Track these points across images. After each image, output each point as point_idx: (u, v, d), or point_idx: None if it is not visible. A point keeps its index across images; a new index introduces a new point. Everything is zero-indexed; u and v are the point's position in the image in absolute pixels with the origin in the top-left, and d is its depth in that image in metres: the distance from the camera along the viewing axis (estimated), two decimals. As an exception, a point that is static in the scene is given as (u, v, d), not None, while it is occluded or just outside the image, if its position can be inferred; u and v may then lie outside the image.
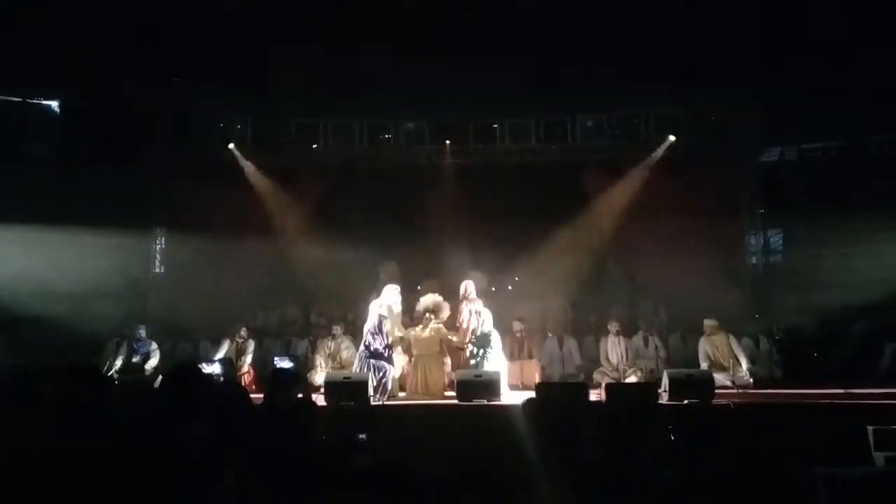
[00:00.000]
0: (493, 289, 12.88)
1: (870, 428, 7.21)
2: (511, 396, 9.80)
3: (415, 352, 10.76)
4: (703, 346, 11.67)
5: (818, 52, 12.54)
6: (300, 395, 5.96)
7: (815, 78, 12.94)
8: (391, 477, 3.27)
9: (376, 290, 11.57)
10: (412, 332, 10.87)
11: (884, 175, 13.86)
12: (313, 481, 3.41)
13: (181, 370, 3.87)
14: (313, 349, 12.39)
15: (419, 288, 12.27)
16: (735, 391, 10.55)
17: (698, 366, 11.32)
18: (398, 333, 10.89)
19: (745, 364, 11.41)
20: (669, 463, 5.07)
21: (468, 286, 11.25)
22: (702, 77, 13.32)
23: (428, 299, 10.97)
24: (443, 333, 10.86)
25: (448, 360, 10.90)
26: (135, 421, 3.49)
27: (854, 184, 14.08)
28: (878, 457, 7.04)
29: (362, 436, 4.21)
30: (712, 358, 11.46)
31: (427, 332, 10.74)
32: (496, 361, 10.61)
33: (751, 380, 11.19)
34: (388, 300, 10.87)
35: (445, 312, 10.96)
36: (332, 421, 8.05)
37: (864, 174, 14.13)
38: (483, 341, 10.73)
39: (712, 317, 11.87)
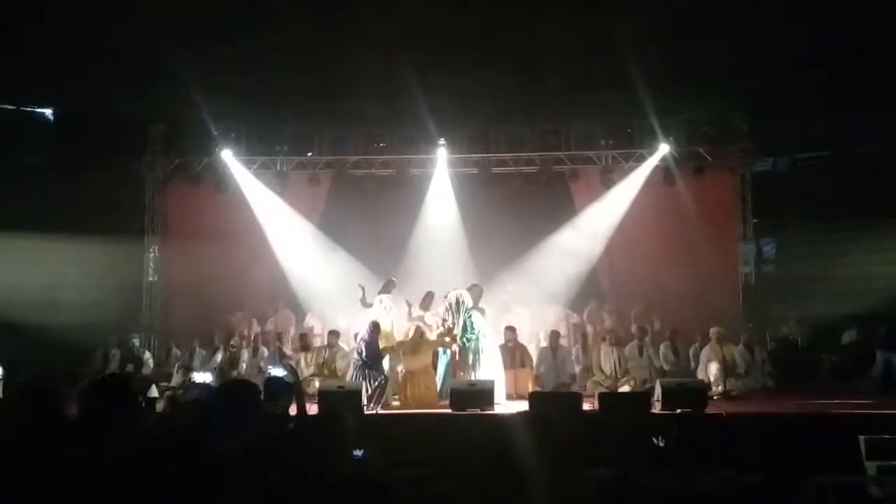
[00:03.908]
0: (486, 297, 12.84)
1: (861, 437, 7.24)
2: (505, 406, 9.80)
3: (404, 368, 10.71)
4: (709, 353, 11.65)
5: (810, 63, 12.63)
6: (295, 405, 5.96)
7: (807, 89, 13.03)
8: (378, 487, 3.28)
9: (370, 299, 11.58)
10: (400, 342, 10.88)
11: (874, 185, 13.94)
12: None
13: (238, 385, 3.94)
14: (306, 357, 12.37)
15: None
16: (725, 400, 10.61)
17: (693, 374, 11.35)
18: (385, 343, 10.85)
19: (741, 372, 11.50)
20: (662, 472, 5.08)
21: (462, 296, 11.19)
22: (695, 87, 13.40)
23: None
24: (427, 338, 10.87)
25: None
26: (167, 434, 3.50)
27: (845, 194, 14.15)
28: (870, 466, 7.07)
29: (357, 452, 4.18)
30: (725, 364, 11.45)
31: (411, 334, 10.76)
32: (493, 370, 10.60)
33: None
34: (379, 309, 10.87)
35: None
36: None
37: (855, 184, 14.20)
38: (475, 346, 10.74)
39: (714, 325, 11.90)
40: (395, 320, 11.55)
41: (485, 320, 11.08)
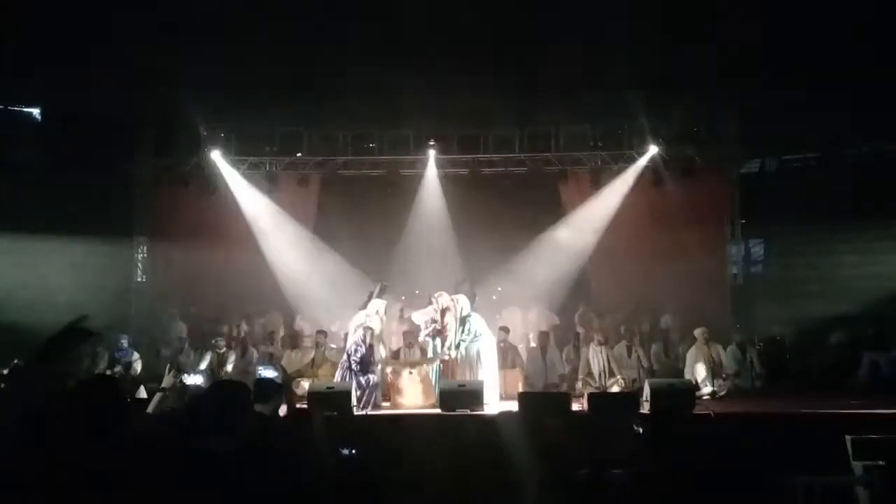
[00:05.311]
0: (477, 297, 12.83)
1: (848, 437, 7.26)
2: (498, 406, 9.81)
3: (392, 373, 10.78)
4: (695, 354, 11.68)
5: (798, 65, 12.69)
6: (284, 406, 5.96)
7: (795, 91, 13.09)
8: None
9: (361, 302, 11.56)
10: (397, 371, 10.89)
11: (862, 186, 14.01)
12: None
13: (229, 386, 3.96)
14: (294, 355, 12.36)
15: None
16: (713, 400, 10.65)
17: (682, 375, 11.39)
18: (382, 353, 10.84)
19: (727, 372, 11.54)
20: (648, 471, 5.10)
21: (458, 301, 11.19)
22: (684, 90, 13.43)
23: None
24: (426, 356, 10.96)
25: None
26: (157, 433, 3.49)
27: (833, 195, 14.22)
28: (857, 466, 7.10)
29: (345, 451, 4.18)
30: (712, 364, 11.49)
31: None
32: (488, 371, 10.62)
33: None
34: (372, 313, 10.84)
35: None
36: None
37: (842, 185, 14.27)
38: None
39: (702, 326, 11.94)
40: (387, 323, 11.54)
41: (482, 322, 11.10)
